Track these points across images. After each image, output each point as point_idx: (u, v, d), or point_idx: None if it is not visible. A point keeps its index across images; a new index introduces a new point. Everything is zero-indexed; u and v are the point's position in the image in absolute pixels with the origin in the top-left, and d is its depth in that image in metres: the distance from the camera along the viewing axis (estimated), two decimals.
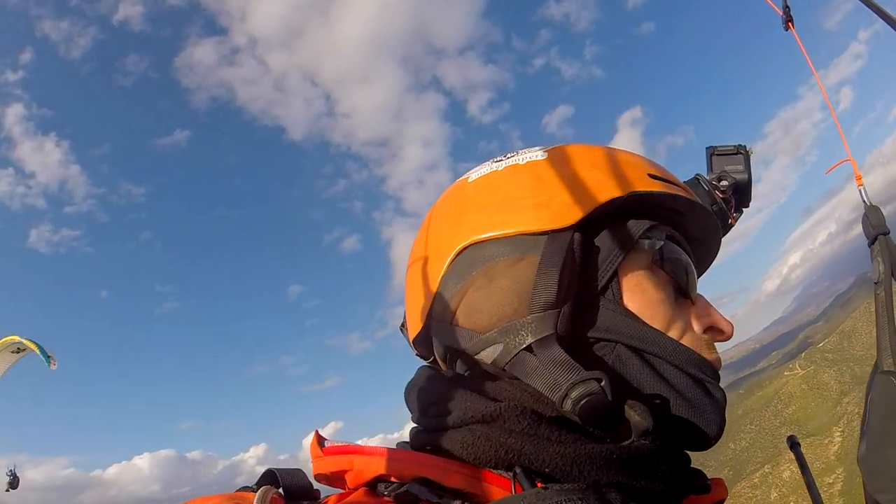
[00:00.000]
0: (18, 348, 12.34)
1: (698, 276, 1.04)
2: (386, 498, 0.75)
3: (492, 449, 0.76)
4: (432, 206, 1.07)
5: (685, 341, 0.90)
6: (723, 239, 1.11)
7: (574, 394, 0.75)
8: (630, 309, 0.89)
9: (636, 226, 0.92)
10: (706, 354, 0.92)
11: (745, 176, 1.35)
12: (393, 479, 0.77)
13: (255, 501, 0.72)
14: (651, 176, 0.95)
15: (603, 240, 0.91)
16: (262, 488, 0.75)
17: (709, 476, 0.93)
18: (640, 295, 0.90)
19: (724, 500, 0.94)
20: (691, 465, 0.91)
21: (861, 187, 1.13)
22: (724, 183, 1.31)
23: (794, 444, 1.20)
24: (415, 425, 0.92)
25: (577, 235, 0.88)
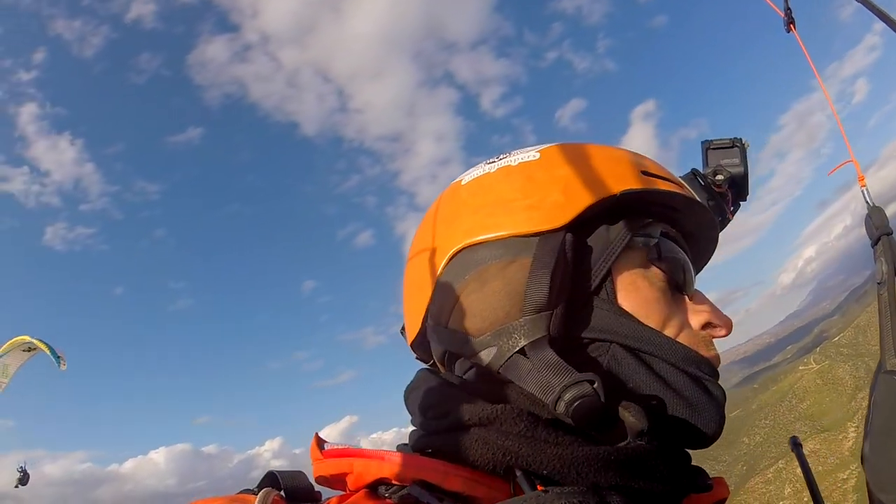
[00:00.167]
0: (29, 347, 12.52)
1: (696, 273, 1.03)
2: (387, 499, 0.75)
3: (489, 452, 0.75)
4: (427, 209, 1.07)
5: (682, 339, 0.89)
6: (723, 233, 1.13)
7: (567, 396, 0.75)
8: (625, 308, 0.88)
9: (630, 224, 0.92)
10: (704, 352, 0.91)
11: (741, 169, 1.34)
12: (393, 482, 0.77)
13: (256, 503, 0.73)
14: (644, 173, 0.95)
15: (596, 239, 0.90)
16: (263, 490, 0.75)
17: (720, 472, 0.94)
18: (634, 294, 0.89)
19: (725, 499, 0.92)
20: (692, 463, 0.90)
21: (864, 188, 1.12)
22: (720, 177, 1.31)
23: (796, 444, 1.19)
24: (414, 428, 0.92)
25: (568, 236, 0.87)
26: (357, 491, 0.78)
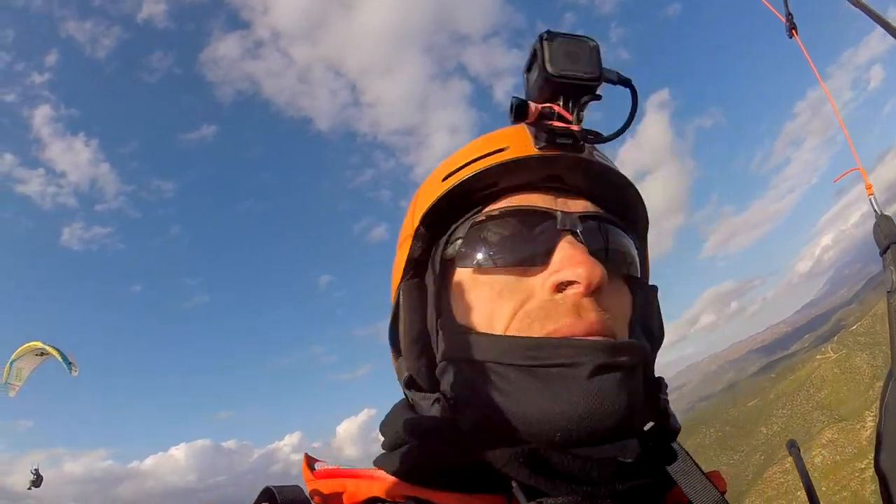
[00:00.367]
0: (42, 352, 12.70)
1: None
2: None
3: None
4: None
5: (513, 327, 0.83)
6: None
7: (420, 427, 0.86)
8: (459, 322, 0.89)
9: (440, 243, 0.94)
10: (539, 329, 0.82)
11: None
12: (387, 500, 0.80)
13: None
14: (446, 177, 0.93)
15: (427, 275, 0.96)
16: None
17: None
18: (462, 304, 0.89)
19: (723, 493, 0.87)
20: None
21: (871, 197, 1.12)
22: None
23: (792, 446, 1.18)
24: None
25: (402, 287, 0.96)
26: None
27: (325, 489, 0.84)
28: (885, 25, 1.12)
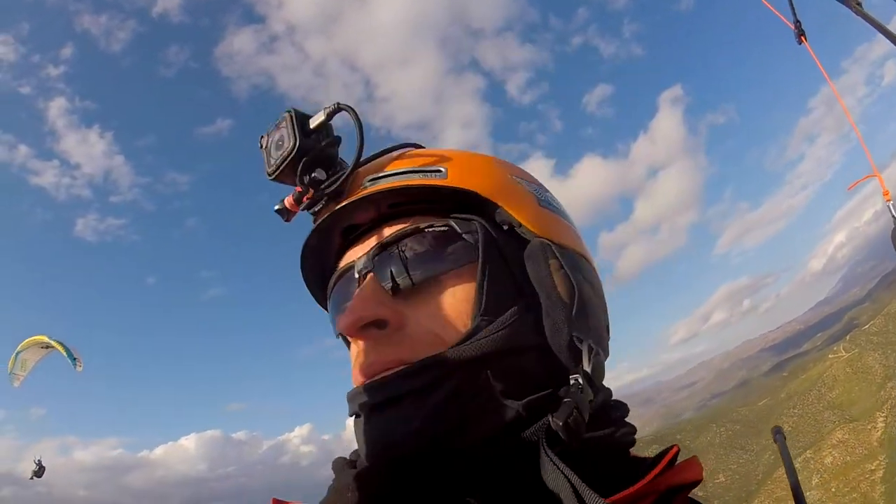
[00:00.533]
0: (47, 345, 12.81)
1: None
2: None
3: None
4: None
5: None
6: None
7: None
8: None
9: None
10: (353, 381, 0.88)
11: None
12: None
13: None
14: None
15: None
16: None
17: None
18: None
19: (699, 482, 0.83)
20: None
21: (889, 203, 1.09)
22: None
23: (777, 433, 1.12)
24: None
25: None
26: None
27: None
28: (888, 34, 1.09)
